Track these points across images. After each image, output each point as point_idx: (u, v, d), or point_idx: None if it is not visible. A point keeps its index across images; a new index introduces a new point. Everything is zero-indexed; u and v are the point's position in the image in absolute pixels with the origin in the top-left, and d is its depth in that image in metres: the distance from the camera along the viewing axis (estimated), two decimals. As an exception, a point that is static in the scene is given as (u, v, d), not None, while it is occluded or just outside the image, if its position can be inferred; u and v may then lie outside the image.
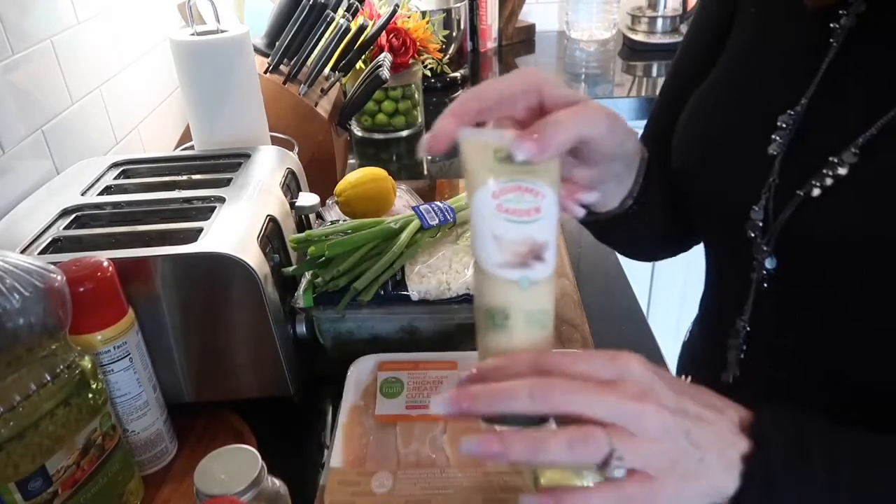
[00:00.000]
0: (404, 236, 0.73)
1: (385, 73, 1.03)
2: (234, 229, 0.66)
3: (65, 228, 0.69)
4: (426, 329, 0.73)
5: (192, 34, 0.83)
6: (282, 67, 1.00)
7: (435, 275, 0.71)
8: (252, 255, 0.63)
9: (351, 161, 1.33)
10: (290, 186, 0.81)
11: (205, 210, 0.70)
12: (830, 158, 0.46)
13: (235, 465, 0.50)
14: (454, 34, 1.76)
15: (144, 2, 1.10)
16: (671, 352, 0.76)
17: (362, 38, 1.06)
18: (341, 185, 0.91)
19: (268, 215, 0.70)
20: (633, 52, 1.87)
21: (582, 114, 0.41)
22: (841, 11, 0.48)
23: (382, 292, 0.70)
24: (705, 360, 0.64)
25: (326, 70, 1.04)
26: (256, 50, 1.01)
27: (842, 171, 0.45)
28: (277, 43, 1.00)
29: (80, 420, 0.51)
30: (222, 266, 0.62)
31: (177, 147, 1.01)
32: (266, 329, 0.65)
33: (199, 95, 0.85)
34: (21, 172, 0.79)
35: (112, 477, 0.56)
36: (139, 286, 0.62)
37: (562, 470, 0.52)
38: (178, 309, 0.64)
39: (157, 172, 0.82)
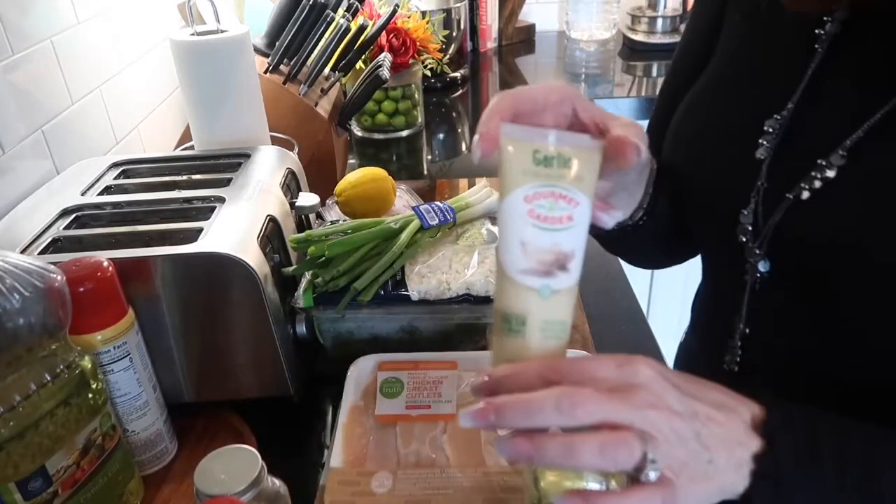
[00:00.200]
0: (404, 236, 0.73)
1: (385, 73, 1.03)
2: (234, 229, 0.66)
3: (65, 228, 0.69)
4: (426, 329, 0.73)
5: (192, 34, 0.83)
6: (282, 67, 1.00)
7: (435, 275, 0.71)
8: (252, 255, 0.63)
9: (351, 161, 1.33)
10: (290, 186, 0.81)
11: (205, 210, 0.70)
12: (818, 161, 0.46)
13: (235, 465, 0.50)
14: (454, 34, 1.76)
15: (144, 2, 1.10)
16: (671, 352, 0.76)
17: (362, 38, 1.06)
18: (341, 185, 0.91)
19: (268, 215, 0.70)
20: (633, 52, 1.87)
21: (637, 127, 0.42)
22: (826, 18, 0.49)
23: (382, 292, 0.70)
24: (702, 360, 0.64)
25: (326, 70, 1.04)
26: (256, 50, 1.01)
27: (830, 173, 0.46)
28: (277, 43, 1.00)
29: (80, 420, 0.51)
30: (222, 266, 0.62)
31: (177, 147, 1.01)
32: (266, 329, 0.65)
33: (199, 95, 0.85)
34: (21, 172, 0.79)
35: (112, 477, 0.56)
36: (139, 286, 0.62)
37: (562, 470, 0.52)
38: (178, 309, 0.64)
39: (157, 172, 0.82)
